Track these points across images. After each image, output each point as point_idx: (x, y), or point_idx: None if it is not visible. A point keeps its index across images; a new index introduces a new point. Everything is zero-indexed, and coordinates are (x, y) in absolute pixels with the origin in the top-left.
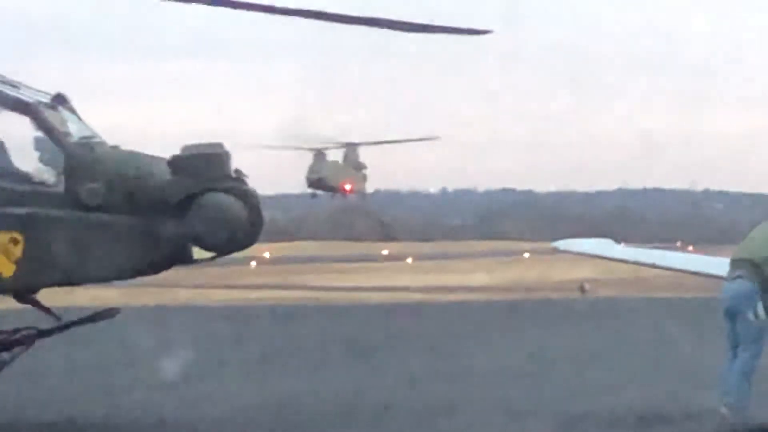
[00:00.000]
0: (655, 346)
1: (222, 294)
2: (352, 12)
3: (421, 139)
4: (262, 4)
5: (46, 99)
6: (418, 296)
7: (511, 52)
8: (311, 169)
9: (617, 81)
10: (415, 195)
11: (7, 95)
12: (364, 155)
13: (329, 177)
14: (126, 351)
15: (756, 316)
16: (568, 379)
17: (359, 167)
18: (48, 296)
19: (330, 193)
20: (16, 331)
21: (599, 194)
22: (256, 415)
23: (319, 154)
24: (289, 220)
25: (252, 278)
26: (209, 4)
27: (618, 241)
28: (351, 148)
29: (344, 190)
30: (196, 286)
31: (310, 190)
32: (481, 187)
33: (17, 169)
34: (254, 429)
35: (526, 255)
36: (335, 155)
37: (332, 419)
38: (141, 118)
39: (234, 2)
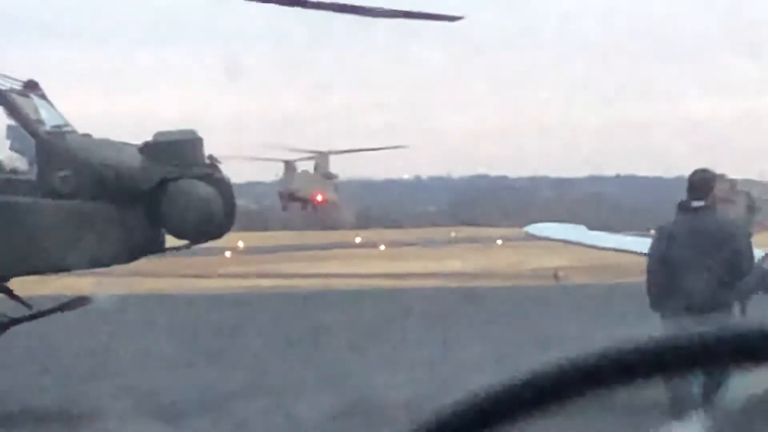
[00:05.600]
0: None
1: (195, 283)
2: None
3: (391, 147)
4: None
5: (17, 86)
6: (388, 283)
7: (483, 38)
8: (283, 183)
9: (590, 67)
10: (388, 182)
11: None
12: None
13: (301, 190)
14: (85, 339)
15: None
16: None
17: (330, 176)
18: (19, 285)
19: (301, 204)
20: None
21: (572, 181)
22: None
23: (290, 166)
24: (262, 209)
25: (227, 268)
26: None
27: (591, 227)
28: (322, 157)
29: (315, 201)
30: (170, 276)
31: (281, 203)
32: (455, 174)
33: None
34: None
35: (499, 242)
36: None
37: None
38: (111, 107)
39: None
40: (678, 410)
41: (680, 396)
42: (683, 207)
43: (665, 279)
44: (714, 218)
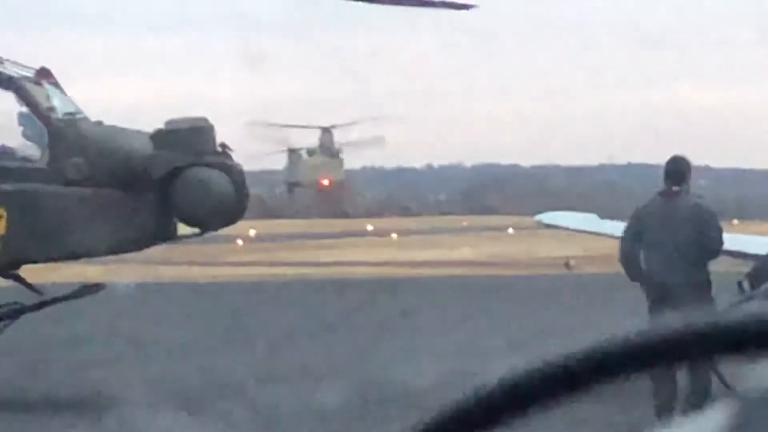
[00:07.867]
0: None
1: (206, 271)
2: None
3: (374, 119)
4: None
5: (30, 74)
6: (400, 271)
7: (494, 26)
8: (288, 173)
9: (602, 55)
10: (400, 171)
11: None
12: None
13: (307, 178)
14: (96, 327)
15: (742, 290)
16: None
17: (335, 154)
18: (31, 272)
19: (307, 188)
20: None
21: (583, 169)
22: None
23: (294, 154)
24: (274, 197)
25: (238, 256)
26: None
27: (602, 216)
28: (326, 133)
29: (322, 185)
30: (181, 264)
31: (287, 189)
32: (467, 162)
33: (0, 145)
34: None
35: (510, 230)
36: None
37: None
38: (122, 94)
39: None
40: (696, 401)
41: (698, 387)
42: (663, 192)
43: (637, 255)
44: (687, 201)
